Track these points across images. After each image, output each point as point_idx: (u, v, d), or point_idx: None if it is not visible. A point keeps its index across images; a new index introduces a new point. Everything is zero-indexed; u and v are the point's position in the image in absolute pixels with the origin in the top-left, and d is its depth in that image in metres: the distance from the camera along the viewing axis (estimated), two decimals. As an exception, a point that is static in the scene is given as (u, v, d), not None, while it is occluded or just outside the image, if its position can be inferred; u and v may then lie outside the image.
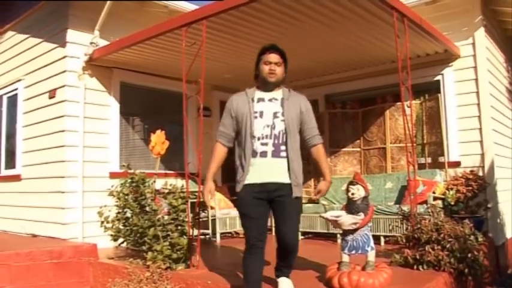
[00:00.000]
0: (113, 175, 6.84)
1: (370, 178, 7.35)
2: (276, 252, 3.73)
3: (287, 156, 3.52)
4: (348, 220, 3.93)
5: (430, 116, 7.34)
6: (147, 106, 8.04)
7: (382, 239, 6.27)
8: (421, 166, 7.16)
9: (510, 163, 7.92)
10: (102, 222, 5.50)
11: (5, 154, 8.30)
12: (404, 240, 4.80)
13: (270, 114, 3.56)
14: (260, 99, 3.64)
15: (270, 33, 5.87)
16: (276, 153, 3.52)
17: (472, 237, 4.58)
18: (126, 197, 5.37)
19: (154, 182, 5.47)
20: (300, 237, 5.75)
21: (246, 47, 6.26)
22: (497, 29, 8.01)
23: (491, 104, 7.02)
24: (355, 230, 3.97)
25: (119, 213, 5.47)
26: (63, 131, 6.63)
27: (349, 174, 7.96)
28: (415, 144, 5.61)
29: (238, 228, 7.49)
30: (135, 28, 6.33)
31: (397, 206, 6.19)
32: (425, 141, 7.43)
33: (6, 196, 7.96)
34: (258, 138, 3.53)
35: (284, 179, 3.52)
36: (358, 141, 8.24)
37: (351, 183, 4.06)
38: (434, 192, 6.35)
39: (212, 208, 7.16)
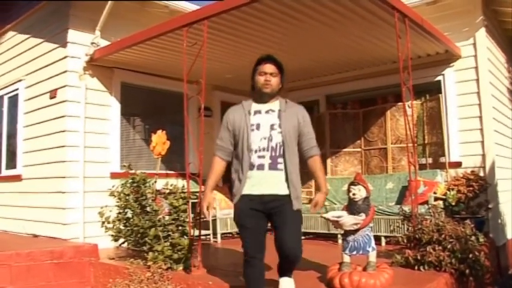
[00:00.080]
0: (114, 175, 6.84)
1: (371, 178, 7.35)
2: (278, 263, 3.65)
3: (285, 169, 3.45)
4: (349, 220, 3.93)
5: (431, 116, 7.33)
6: (148, 106, 8.03)
7: (383, 240, 6.26)
8: (422, 166, 7.15)
9: (511, 164, 7.91)
10: (103, 222, 5.50)
11: (6, 154, 8.30)
12: (405, 241, 4.80)
13: (267, 127, 3.51)
14: (257, 112, 3.59)
15: (271, 33, 5.87)
16: (273, 166, 3.46)
17: (473, 238, 4.57)
18: (127, 197, 5.38)
19: (155, 182, 5.47)
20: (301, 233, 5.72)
21: (247, 47, 6.26)
22: (498, 30, 8.01)
23: (493, 105, 7.02)
24: (356, 230, 3.97)
25: (119, 213, 5.48)
26: (64, 131, 6.63)
27: (349, 174, 7.96)
28: (416, 145, 5.60)
29: (239, 228, 7.47)
30: (136, 28, 6.32)
31: (398, 206, 6.19)
32: (426, 142, 7.43)
33: (7, 196, 7.96)
34: (255, 151, 3.47)
35: (282, 190, 3.45)
36: (359, 141, 8.23)
37: (352, 183, 4.06)
38: (435, 193, 6.35)
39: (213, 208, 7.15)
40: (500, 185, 6.91)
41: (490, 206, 6.52)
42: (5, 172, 8.21)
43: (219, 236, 7.34)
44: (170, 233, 4.97)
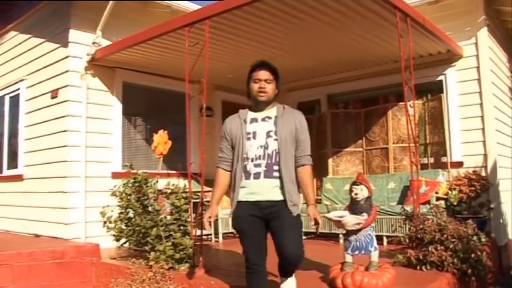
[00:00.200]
0: (115, 175, 6.84)
1: (373, 178, 7.34)
2: (278, 266, 3.55)
3: (280, 177, 3.37)
4: (351, 220, 3.92)
5: (433, 116, 7.33)
6: (150, 106, 8.04)
7: (385, 239, 6.26)
8: (424, 166, 7.14)
9: (513, 163, 7.92)
10: (105, 222, 5.50)
11: (7, 154, 8.30)
12: (407, 241, 4.80)
13: (263, 134, 3.44)
14: (253, 120, 3.52)
15: (272, 33, 5.86)
16: (268, 174, 3.38)
17: (475, 238, 4.56)
18: (129, 197, 5.37)
19: (157, 182, 5.47)
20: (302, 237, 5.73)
21: (249, 47, 6.25)
22: (500, 29, 8.00)
23: (494, 104, 7.01)
24: (359, 230, 3.97)
25: (121, 213, 5.48)
26: (65, 131, 6.63)
27: (351, 174, 7.95)
28: (417, 144, 5.59)
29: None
30: (138, 28, 6.32)
31: (400, 206, 6.18)
32: (427, 142, 7.42)
33: (8, 196, 7.97)
34: (252, 160, 3.41)
35: (277, 196, 3.37)
36: (360, 141, 8.23)
37: (354, 183, 4.06)
38: (437, 193, 6.35)
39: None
40: (502, 184, 6.91)
41: (491, 205, 6.51)
42: (7, 172, 8.22)
43: (220, 236, 7.34)
44: (172, 232, 4.97)
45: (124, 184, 5.45)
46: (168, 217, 5.10)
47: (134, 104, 7.61)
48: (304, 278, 4.08)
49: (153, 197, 5.27)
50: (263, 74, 3.47)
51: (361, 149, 8.22)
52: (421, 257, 4.47)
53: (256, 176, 3.40)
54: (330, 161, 8.27)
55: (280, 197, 3.36)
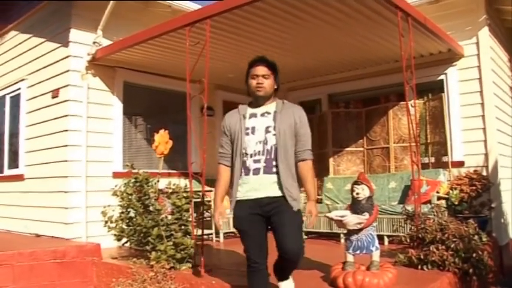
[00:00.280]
0: (116, 175, 6.84)
1: (374, 178, 7.33)
2: (274, 264, 3.53)
3: (277, 172, 3.36)
4: (352, 220, 3.92)
5: (434, 115, 7.32)
6: (151, 106, 8.03)
7: (386, 239, 6.25)
8: (425, 166, 7.14)
9: (514, 163, 7.91)
10: (106, 222, 5.50)
11: (8, 154, 8.30)
12: (408, 240, 4.80)
13: (262, 130, 3.44)
14: (252, 115, 3.52)
15: (273, 33, 5.86)
16: (267, 169, 3.38)
17: (476, 237, 4.56)
18: (130, 197, 5.38)
19: (158, 181, 5.47)
20: (304, 237, 5.76)
21: (250, 46, 6.25)
22: (501, 28, 8.00)
23: (495, 104, 7.00)
24: (360, 229, 3.97)
25: (122, 213, 5.48)
26: (66, 130, 6.63)
27: (352, 174, 7.95)
28: (418, 144, 5.59)
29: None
30: (138, 28, 6.33)
31: (401, 205, 6.17)
32: (428, 141, 7.42)
33: (9, 196, 7.96)
34: (251, 155, 3.41)
35: (276, 192, 3.36)
36: (361, 140, 8.22)
37: (356, 182, 4.06)
38: (438, 192, 6.34)
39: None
40: (503, 184, 6.90)
41: (492, 205, 6.50)
42: (8, 172, 8.22)
43: (221, 235, 7.34)
44: (173, 232, 4.97)
45: (125, 184, 5.45)
46: (169, 217, 5.09)
47: (135, 103, 7.61)
48: (305, 277, 4.08)
49: (154, 197, 5.27)
50: (260, 70, 3.46)
51: (362, 149, 8.21)
52: (422, 257, 4.47)
53: (256, 171, 3.40)
54: (331, 160, 8.26)
55: (280, 193, 3.36)
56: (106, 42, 6.77)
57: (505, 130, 7.61)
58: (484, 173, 6.68)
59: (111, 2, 6.54)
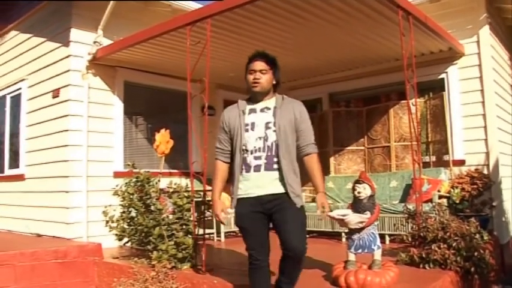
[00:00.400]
0: (117, 174, 6.84)
1: (375, 177, 7.32)
2: (279, 264, 3.43)
3: (280, 168, 3.32)
4: (354, 219, 3.92)
5: (435, 114, 7.32)
6: (151, 105, 8.03)
7: (387, 238, 6.26)
8: (426, 164, 7.14)
9: (514, 161, 7.91)
10: (107, 221, 5.50)
11: (9, 154, 8.30)
12: (410, 239, 4.79)
13: (262, 126, 3.39)
14: (252, 111, 3.47)
15: (274, 32, 5.86)
16: (268, 166, 3.34)
17: (477, 236, 4.57)
18: (131, 197, 5.37)
19: (159, 181, 5.46)
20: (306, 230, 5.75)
21: (251, 46, 6.21)
22: (502, 27, 7.99)
23: (496, 102, 7.00)
24: (362, 228, 3.96)
25: (123, 212, 5.48)
26: (66, 130, 6.62)
27: (353, 173, 7.95)
28: (419, 143, 5.59)
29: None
30: (139, 27, 6.32)
31: (402, 204, 6.17)
32: (429, 140, 7.41)
33: (10, 196, 7.96)
34: (251, 152, 3.37)
35: (278, 189, 3.32)
36: (362, 139, 8.23)
37: (357, 181, 4.05)
38: (439, 191, 6.34)
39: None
40: (504, 182, 6.90)
41: (494, 203, 6.51)
42: (8, 172, 8.22)
43: (222, 234, 7.34)
44: (174, 232, 4.96)
45: (126, 183, 5.45)
46: (171, 216, 5.09)
47: (136, 103, 7.60)
48: (307, 276, 4.08)
49: (155, 196, 5.26)
50: (258, 65, 3.42)
51: (362, 148, 8.21)
52: (424, 255, 4.47)
53: (257, 168, 3.36)
54: (332, 159, 8.27)
55: (282, 190, 3.32)
56: (106, 42, 6.77)
57: (506, 129, 7.60)
58: (485, 172, 6.68)
59: (112, 1, 6.53)
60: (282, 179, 3.33)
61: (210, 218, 7.13)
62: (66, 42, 6.77)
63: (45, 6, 7.28)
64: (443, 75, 7.32)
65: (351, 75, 8.36)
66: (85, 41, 6.75)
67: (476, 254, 4.39)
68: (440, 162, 7.15)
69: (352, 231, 4.03)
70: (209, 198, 6.77)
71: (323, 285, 4.01)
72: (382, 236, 5.80)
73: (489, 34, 6.97)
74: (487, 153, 6.79)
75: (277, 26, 5.67)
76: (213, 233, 7.35)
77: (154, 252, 4.87)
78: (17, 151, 7.94)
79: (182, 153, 7.24)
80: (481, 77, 6.94)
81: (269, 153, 3.35)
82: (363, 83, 8.36)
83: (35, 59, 7.52)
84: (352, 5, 5.04)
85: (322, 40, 6.37)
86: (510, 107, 8.13)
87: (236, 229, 7.42)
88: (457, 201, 6.21)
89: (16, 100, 8.08)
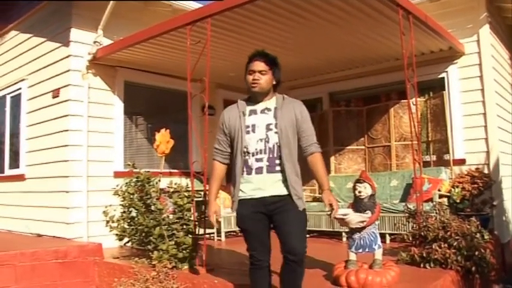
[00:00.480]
0: (117, 174, 6.83)
1: (375, 176, 7.32)
2: (280, 275, 3.38)
3: (282, 170, 3.29)
4: (355, 218, 3.91)
5: (435, 113, 7.32)
6: (152, 105, 8.02)
7: (388, 237, 6.25)
8: (426, 164, 7.14)
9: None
10: (108, 221, 5.49)
11: (9, 154, 8.29)
12: (410, 238, 4.79)
13: (263, 127, 3.35)
14: (252, 112, 3.42)
15: (275, 31, 5.85)
16: (271, 168, 3.30)
17: (478, 235, 4.56)
18: (132, 196, 5.36)
19: (159, 181, 5.46)
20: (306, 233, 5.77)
21: (251, 45, 6.19)
22: (502, 26, 7.99)
23: (496, 102, 7.00)
24: (362, 228, 3.96)
25: (124, 212, 5.46)
26: (67, 130, 6.62)
27: (353, 172, 7.95)
28: (420, 142, 5.59)
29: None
30: (139, 27, 6.32)
31: (403, 204, 6.16)
32: (430, 139, 7.41)
33: (10, 196, 7.96)
34: (253, 154, 3.33)
35: (282, 191, 3.29)
36: (362, 139, 8.22)
37: (358, 181, 4.05)
38: (439, 190, 6.33)
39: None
40: (504, 182, 6.89)
41: (494, 203, 6.50)
42: (9, 172, 8.22)
43: (223, 234, 7.34)
44: (175, 231, 4.95)
45: (126, 183, 5.43)
46: (171, 216, 5.08)
47: (136, 103, 7.59)
48: (307, 276, 4.05)
49: (156, 196, 5.25)
50: (257, 65, 3.37)
51: (363, 147, 8.21)
52: (424, 255, 4.46)
53: (259, 170, 3.33)
54: (332, 159, 8.26)
55: (285, 191, 3.29)
56: (107, 42, 6.77)
57: (506, 128, 7.60)
58: (486, 171, 6.68)
59: (112, 1, 6.53)
60: (284, 181, 3.30)
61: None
62: (66, 42, 6.77)
63: (45, 6, 7.27)
64: (443, 75, 7.32)
65: (351, 74, 8.36)
66: (85, 41, 6.74)
67: (477, 253, 4.38)
68: (441, 161, 7.14)
69: (353, 231, 4.02)
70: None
71: (324, 285, 4.01)
72: (382, 236, 5.80)
73: (489, 33, 6.97)
74: (488, 153, 6.79)
75: (277, 26, 5.66)
76: (213, 233, 7.34)
77: (155, 252, 4.87)
78: (17, 151, 7.94)
79: (182, 153, 7.24)
80: (481, 76, 6.94)
81: (271, 155, 3.32)
82: (363, 83, 8.36)
83: (35, 59, 7.51)
84: (352, 4, 5.04)
85: (323, 39, 6.37)
86: (510, 106, 8.12)
87: (236, 229, 7.43)
88: (458, 201, 6.21)
89: (16, 100, 8.08)
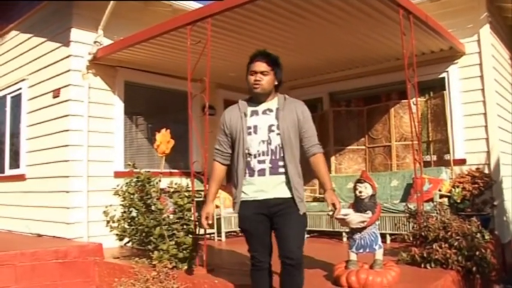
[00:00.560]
0: (118, 174, 6.83)
1: (375, 176, 7.31)
2: (280, 281, 3.35)
3: (286, 172, 3.26)
4: (356, 218, 3.91)
5: (435, 113, 7.31)
6: (152, 105, 8.02)
7: (388, 237, 6.25)
8: (427, 164, 7.13)
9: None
10: (108, 221, 5.49)
11: (9, 154, 8.29)
12: (411, 238, 4.78)
13: (265, 129, 3.31)
14: (254, 113, 3.38)
15: (275, 31, 5.85)
16: (274, 170, 3.27)
17: (478, 235, 4.55)
18: (132, 196, 5.36)
19: (160, 181, 5.46)
20: (306, 235, 5.76)
21: (251, 45, 6.19)
22: (502, 26, 7.99)
23: (497, 102, 6.99)
24: (363, 228, 3.96)
25: (124, 212, 5.47)
26: (67, 130, 6.62)
27: (354, 172, 7.94)
28: (420, 142, 5.58)
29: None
30: (139, 27, 6.31)
31: (403, 204, 6.16)
32: (430, 139, 7.41)
33: (10, 196, 7.96)
34: (255, 156, 3.30)
35: (285, 193, 3.27)
36: (363, 139, 8.22)
37: (359, 181, 4.05)
38: (440, 190, 6.33)
39: (217, 207, 7.13)
40: (505, 182, 6.89)
41: (495, 203, 6.50)
42: (9, 172, 8.22)
43: (223, 234, 7.33)
44: (175, 231, 4.95)
45: (127, 183, 5.43)
46: (171, 216, 5.08)
47: (136, 103, 7.59)
48: (308, 276, 4.05)
49: (156, 196, 5.25)
50: (259, 66, 3.33)
51: (363, 147, 8.21)
52: (425, 255, 4.46)
53: (261, 172, 3.30)
54: (333, 159, 8.26)
55: (288, 194, 3.27)
56: (107, 42, 6.77)
57: (507, 128, 7.60)
58: (486, 171, 6.67)
59: (112, 1, 6.53)
60: (287, 183, 3.28)
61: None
62: (66, 42, 6.76)
63: (46, 6, 7.27)
64: (444, 75, 7.31)
65: (351, 74, 8.36)
66: (85, 41, 6.74)
67: (477, 253, 4.37)
68: (441, 161, 7.14)
69: (353, 231, 4.02)
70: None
71: (324, 285, 4.00)
72: (383, 236, 5.80)
73: (490, 33, 6.97)
74: (488, 153, 6.79)
75: (277, 26, 5.66)
76: (213, 233, 7.34)
77: (155, 252, 4.87)
78: (18, 151, 7.94)
79: (183, 153, 7.23)
80: (481, 76, 6.93)
81: (273, 157, 3.29)
82: (364, 83, 8.36)
83: (35, 59, 7.51)
84: (352, 4, 5.03)
85: (323, 39, 6.36)
86: (511, 106, 8.12)
87: (237, 229, 7.44)
88: (458, 201, 6.20)
89: (16, 100, 8.08)
